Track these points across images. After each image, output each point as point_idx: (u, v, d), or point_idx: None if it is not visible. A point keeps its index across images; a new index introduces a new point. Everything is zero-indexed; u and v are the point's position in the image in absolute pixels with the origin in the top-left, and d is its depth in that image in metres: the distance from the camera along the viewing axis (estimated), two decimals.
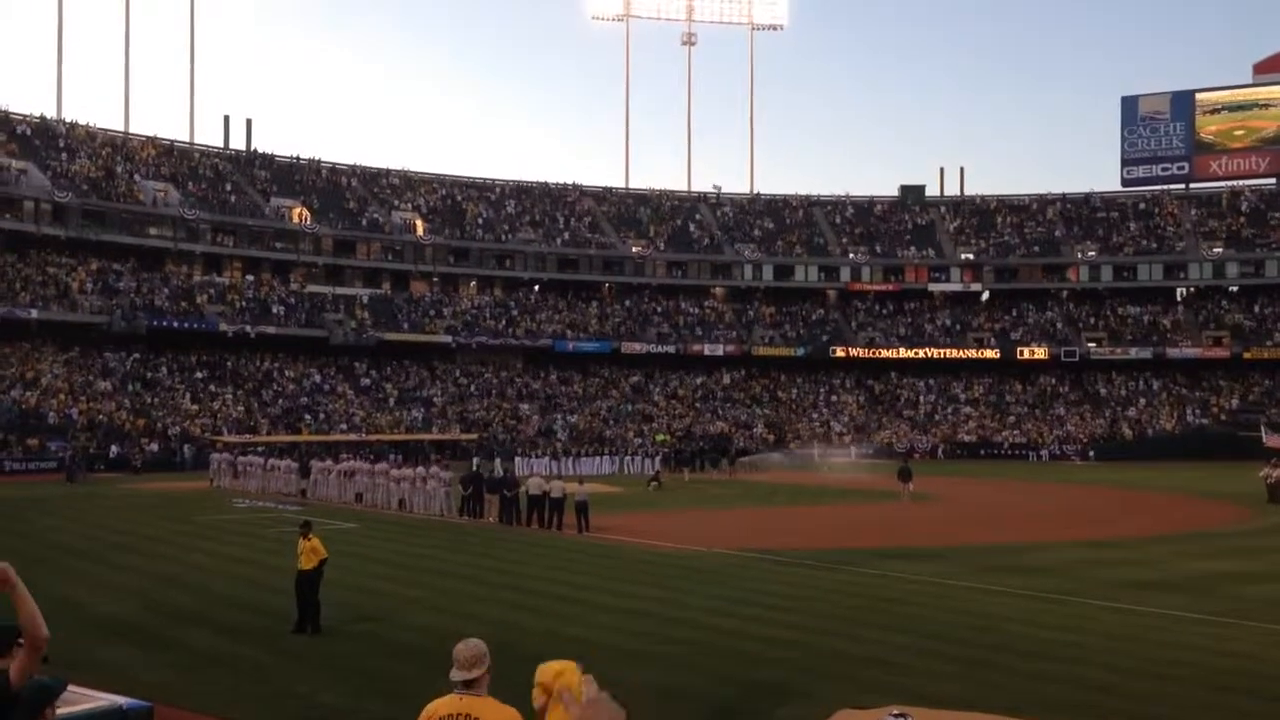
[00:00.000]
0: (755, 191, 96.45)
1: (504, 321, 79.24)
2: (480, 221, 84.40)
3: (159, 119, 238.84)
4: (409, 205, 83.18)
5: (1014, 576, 21.36)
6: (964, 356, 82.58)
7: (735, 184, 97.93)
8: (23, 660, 5.34)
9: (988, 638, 15.65)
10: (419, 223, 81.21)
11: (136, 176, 72.04)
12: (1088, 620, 17.11)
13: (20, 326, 60.19)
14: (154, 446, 56.56)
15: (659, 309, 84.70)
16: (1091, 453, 70.35)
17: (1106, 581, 20.86)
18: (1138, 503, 40.29)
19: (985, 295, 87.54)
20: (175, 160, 76.87)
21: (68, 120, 74.65)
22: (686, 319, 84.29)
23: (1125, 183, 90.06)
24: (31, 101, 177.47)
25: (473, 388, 74.72)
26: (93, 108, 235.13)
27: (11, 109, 71.68)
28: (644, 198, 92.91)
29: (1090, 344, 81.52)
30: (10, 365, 58.51)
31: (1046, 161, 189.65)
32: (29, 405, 55.69)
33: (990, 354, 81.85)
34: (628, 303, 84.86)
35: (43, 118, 73.25)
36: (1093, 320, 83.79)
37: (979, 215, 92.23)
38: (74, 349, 62.55)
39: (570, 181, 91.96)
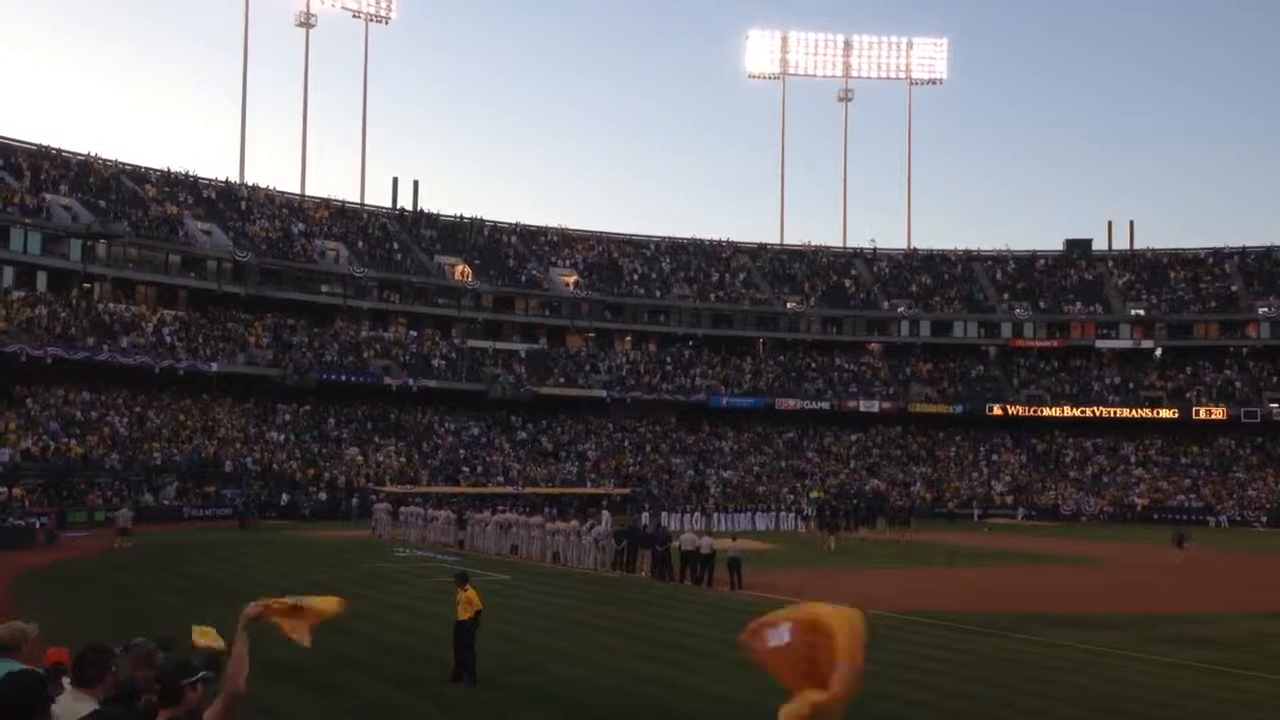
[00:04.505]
0: (912, 246, 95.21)
1: (658, 377, 79.76)
2: (635, 278, 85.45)
3: (332, 181, 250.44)
4: (566, 262, 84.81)
5: (1189, 648, 20.29)
6: (1135, 416, 79.28)
7: (891, 239, 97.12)
8: (220, 706, 5.40)
9: (1160, 713, 14.89)
10: (576, 279, 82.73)
11: (309, 235, 75.49)
12: (1269, 697, 16.11)
13: (201, 379, 63.42)
14: (322, 495, 58.66)
15: (813, 365, 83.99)
16: (1263, 518, 66.60)
17: None
18: None
19: (1158, 352, 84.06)
20: (346, 220, 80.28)
21: (249, 184, 78.96)
22: (841, 375, 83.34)
23: None
24: (217, 167, 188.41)
25: (626, 442, 75.27)
26: (272, 172, 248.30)
27: (199, 174, 76.33)
28: (799, 254, 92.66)
29: (1273, 404, 77.23)
30: (191, 416, 61.64)
31: (1221, 215, 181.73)
32: (208, 454, 58.47)
33: (1166, 414, 78.33)
34: (782, 358, 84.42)
35: (226, 182, 77.58)
36: (1275, 380, 79.51)
37: (1150, 269, 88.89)
38: (249, 401, 65.52)
39: (725, 238, 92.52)
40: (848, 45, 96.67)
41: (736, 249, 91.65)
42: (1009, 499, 72.67)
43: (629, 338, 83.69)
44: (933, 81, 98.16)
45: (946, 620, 23.70)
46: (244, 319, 68.66)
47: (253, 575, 30.25)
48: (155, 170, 73.80)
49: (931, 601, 27.35)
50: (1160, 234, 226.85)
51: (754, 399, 79.68)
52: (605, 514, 43.37)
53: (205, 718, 5.39)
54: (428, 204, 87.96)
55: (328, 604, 6.22)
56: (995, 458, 79.27)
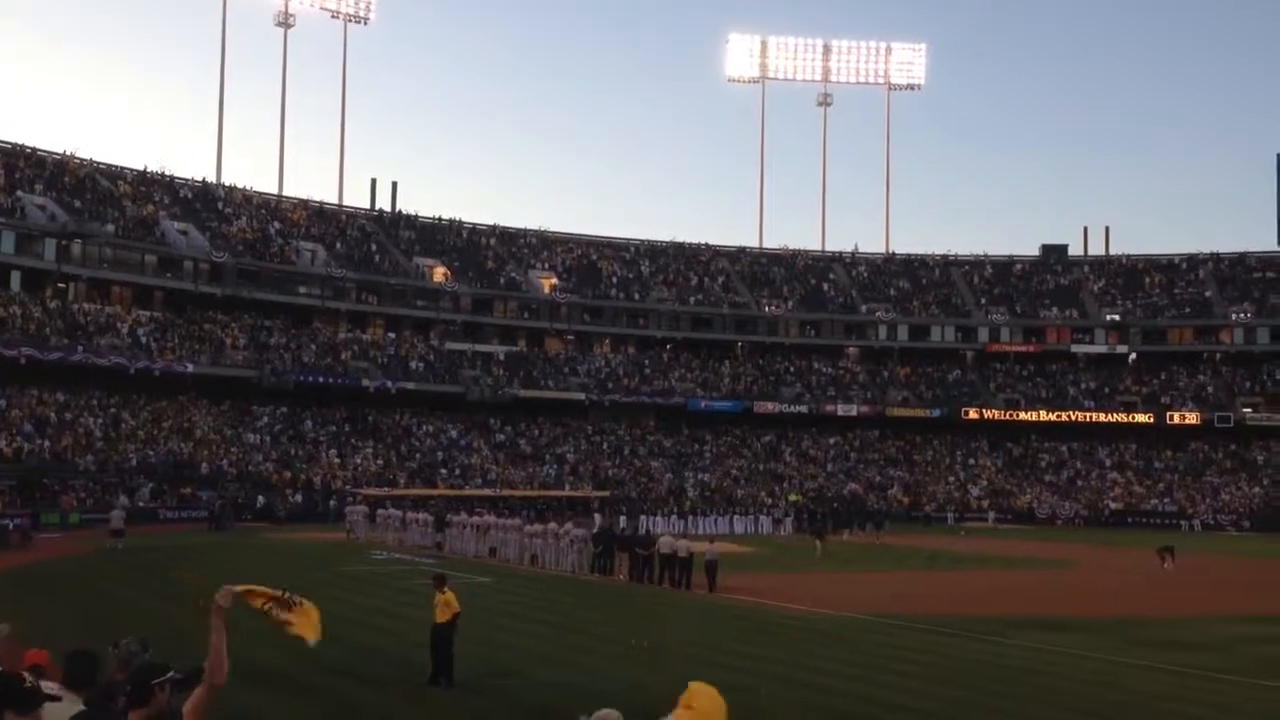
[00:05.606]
0: (890, 251, 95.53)
1: (637, 380, 79.74)
2: (615, 281, 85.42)
3: (310, 182, 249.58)
4: (545, 265, 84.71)
5: (1167, 652, 20.42)
6: (1110, 420, 79.81)
7: (870, 244, 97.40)
8: (199, 697, 5.42)
9: (1139, 716, 14.97)
10: (555, 281, 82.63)
11: (287, 236, 75.07)
12: (1249, 701, 16.23)
13: (177, 381, 62.95)
14: (299, 497, 58.34)
15: (792, 369, 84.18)
16: (1245, 522, 67.11)
17: (1264, 659, 19.77)
18: None
19: (1132, 357, 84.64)
20: (325, 221, 79.90)
21: (226, 184, 78.47)
22: (820, 379, 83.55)
23: None
24: (194, 167, 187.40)
25: (605, 445, 75.20)
26: (250, 172, 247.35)
27: (176, 174, 75.79)
28: (778, 257, 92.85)
29: (1246, 409, 77.93)
30: (167, 418, 61.21)
31: (1196, 221, 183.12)
32: (184, 456, 58.07)
33: (1141, 418, 78.87)
34: (760, 362, 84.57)
35: (204, 182, 77.08)
36: (1248, 384, 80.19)
37: (1125, 275, 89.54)
38: (226, 403, 65.10)
39: (704, 241, 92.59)
40: (827, 50, 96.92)
41: (715, 252, 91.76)
42: (984, 503, 73.01)
43: (608, 340, 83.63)
44: (911, 86, 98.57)
45: (924, 624, 23.79)
46: (220, 320, 68.22)
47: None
48: (131, 170, 73.23)
49: (910, 605, 27.45)
50: (1135, 240, 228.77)
51: (732, 402, 79.77)
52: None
53: (184, 710, 5.41)
54: (406, 205, 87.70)
55: (307, 624, 6.11)
56: (972, 462, 79.63)
